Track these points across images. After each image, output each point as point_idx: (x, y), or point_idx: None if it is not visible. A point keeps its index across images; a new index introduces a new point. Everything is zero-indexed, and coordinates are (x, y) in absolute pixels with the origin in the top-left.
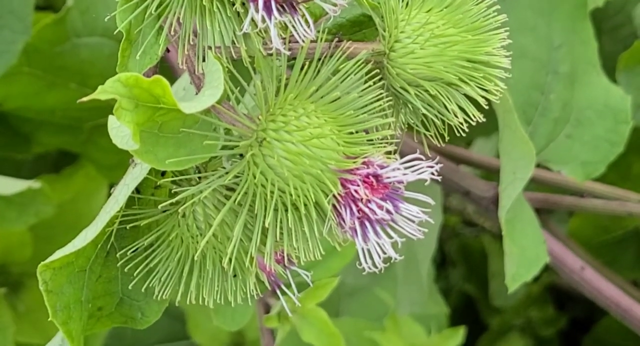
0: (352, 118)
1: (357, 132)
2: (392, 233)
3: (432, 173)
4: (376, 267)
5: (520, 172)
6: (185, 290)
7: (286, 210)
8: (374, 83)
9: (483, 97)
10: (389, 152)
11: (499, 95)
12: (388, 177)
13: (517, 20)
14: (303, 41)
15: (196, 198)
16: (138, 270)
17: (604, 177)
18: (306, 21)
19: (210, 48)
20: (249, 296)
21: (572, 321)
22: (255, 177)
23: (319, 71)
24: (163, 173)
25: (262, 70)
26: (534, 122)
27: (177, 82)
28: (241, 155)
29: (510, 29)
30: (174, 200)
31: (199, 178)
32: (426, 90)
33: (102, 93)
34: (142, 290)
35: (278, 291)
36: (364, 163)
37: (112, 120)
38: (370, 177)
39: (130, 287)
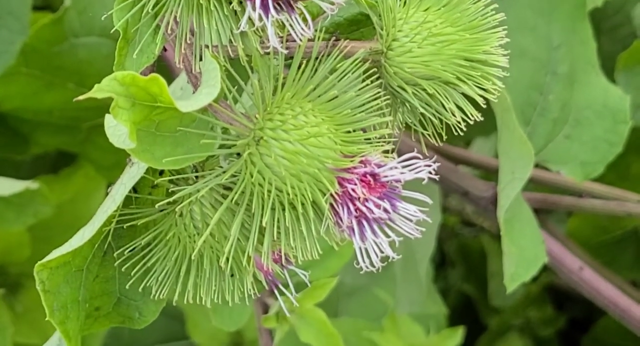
0: (350, 117)
1: (354, 130)
2: (389, 232)
3: (430, 172)
4: (374, 266)
5: (519, 172)
6: (183, 290)
7: (283, 209)
8: (372, 82)
9: (481, 96)
10: (386, 151)
11: (497, 94)
12: (385, 176)
13: (516, 19)
14: (300, 40)
15: (193, 197)
16: (135, 270)
17: (603, 177)
18: (304, 19)
19: (207, 47)
20: (246, 296)
21: (571, 322)
22: (252, 176)
23: (316, 70)
24: (160, 172)
25: (259, 69)
26: (533, 122)
27: (174, 82)
28: (238, 154)
29: (510, 29)
30: (171, 199)
31: (196, 177)
32: (424, 89)
33: (98, 91)
34: (140, 289)
35: (276, 291)
36: (361, 162)
37: (108, 119)
38: (368, 175)
39: (127, 287)
